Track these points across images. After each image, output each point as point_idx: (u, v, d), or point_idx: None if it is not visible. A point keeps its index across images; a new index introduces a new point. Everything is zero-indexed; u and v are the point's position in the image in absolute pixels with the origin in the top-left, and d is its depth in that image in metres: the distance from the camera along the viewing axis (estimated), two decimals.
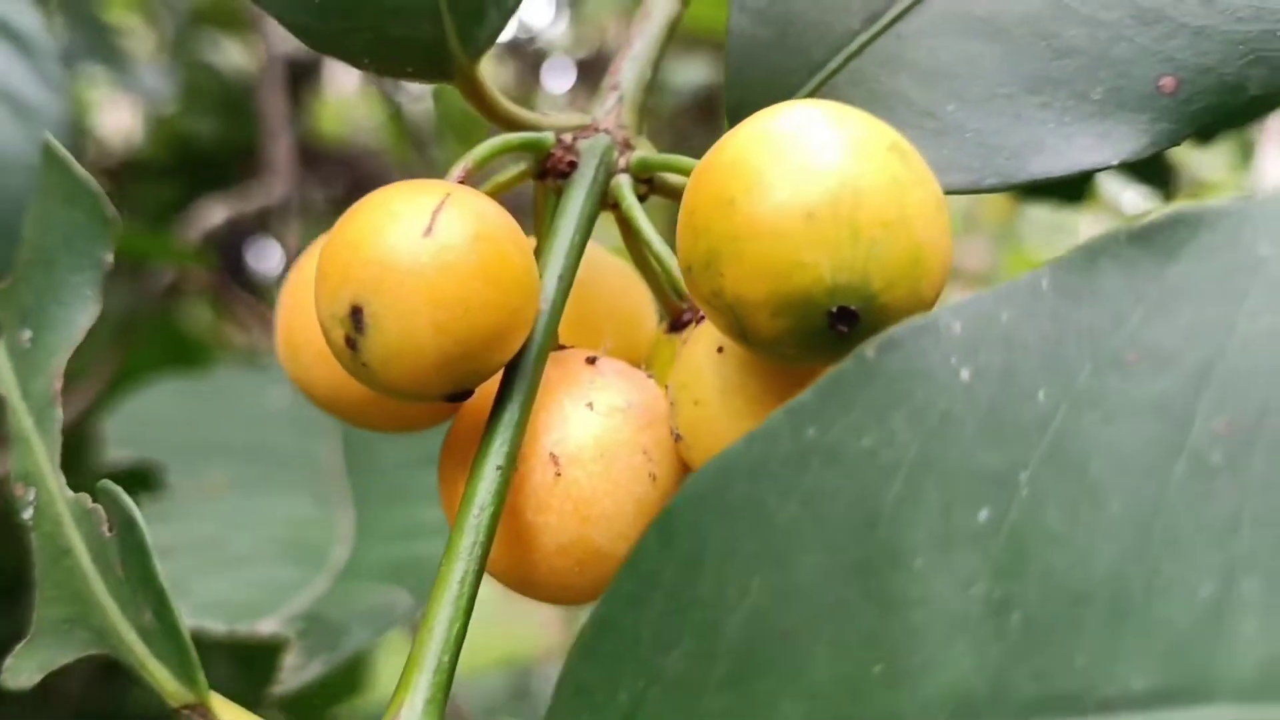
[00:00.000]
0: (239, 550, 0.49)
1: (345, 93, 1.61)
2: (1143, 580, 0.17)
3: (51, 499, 0.29)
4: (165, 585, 0.27)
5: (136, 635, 0.27)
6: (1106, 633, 0.18)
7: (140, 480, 0.56)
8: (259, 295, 0.99)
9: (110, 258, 0.31)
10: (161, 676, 0.27)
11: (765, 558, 0.21)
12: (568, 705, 0.23)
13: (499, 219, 0.28)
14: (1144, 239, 0.19)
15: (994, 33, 0.29)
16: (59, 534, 0.29)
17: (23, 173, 0.51)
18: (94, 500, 0.28)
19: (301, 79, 1.26)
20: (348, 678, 0.87)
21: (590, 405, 0.30)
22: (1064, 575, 0.18)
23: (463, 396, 0.29)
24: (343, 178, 1.26)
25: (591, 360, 0.31)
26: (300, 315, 0.31)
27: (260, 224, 1.01)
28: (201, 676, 0.27)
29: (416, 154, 1.32)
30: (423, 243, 0.27)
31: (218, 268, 0.97)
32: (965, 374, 0.20)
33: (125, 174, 1.12)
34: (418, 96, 1.34)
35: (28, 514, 0.30)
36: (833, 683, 0.20)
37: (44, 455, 0.30)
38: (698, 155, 0.27)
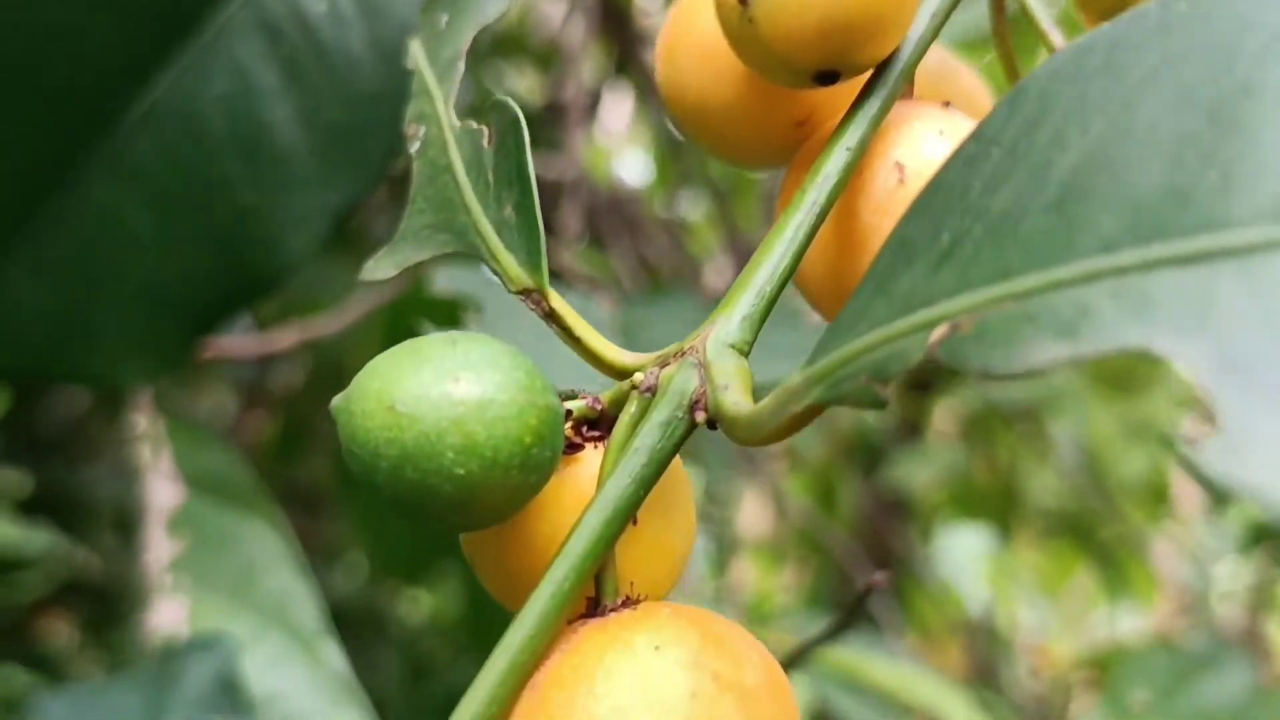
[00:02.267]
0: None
1: (613, 139, 1.72)
2: None
3: (440, 129, 0.32)
4: (532, 176, 0.29)
5: (493, 230, 0.30)
6: None
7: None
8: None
9: None
10: (508, 263, 0.29)
11: (1112, 101, 0.22)
12: (889, 259, 0.24)
13: None
14: None
15: None
16: (441, 155, 0.32)
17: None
18: (481, 120, 0.31)
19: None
20: None
21: (940, 132, 0.31)
22: None
23: (830, 80, 0.30)
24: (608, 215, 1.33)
25: (946, 104, 0.32)
26: (682, 28, 0.34)
27: (555, 193, 1.09)
28: (545, 266, 0.29)
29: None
30: None
31: None
32: None
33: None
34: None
35: (414, 148, 0.33)
36: (1160, 195, 0.20)
37: (440, 98, 0.33)
38: None
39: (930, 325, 0.22)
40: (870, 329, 0.23)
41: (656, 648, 0.24)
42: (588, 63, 1.43)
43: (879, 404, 0.22)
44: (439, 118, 0.33)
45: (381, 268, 0.32)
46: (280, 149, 0.54)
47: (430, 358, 0.25)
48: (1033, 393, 1.95)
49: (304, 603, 0.65)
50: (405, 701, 1.26)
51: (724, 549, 1.94)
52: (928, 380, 2.39)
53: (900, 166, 0.30)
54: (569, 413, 0.28)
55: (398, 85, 0.37)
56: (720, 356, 0.27)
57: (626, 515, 0.26)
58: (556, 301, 0.29)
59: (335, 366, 1.17)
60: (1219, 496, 1.85)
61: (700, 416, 0.27)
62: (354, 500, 1.10)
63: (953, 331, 0.21)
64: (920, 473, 2.12)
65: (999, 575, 2.47)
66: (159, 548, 0.67)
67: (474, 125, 0.31)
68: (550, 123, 1.28)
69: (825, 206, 0.29)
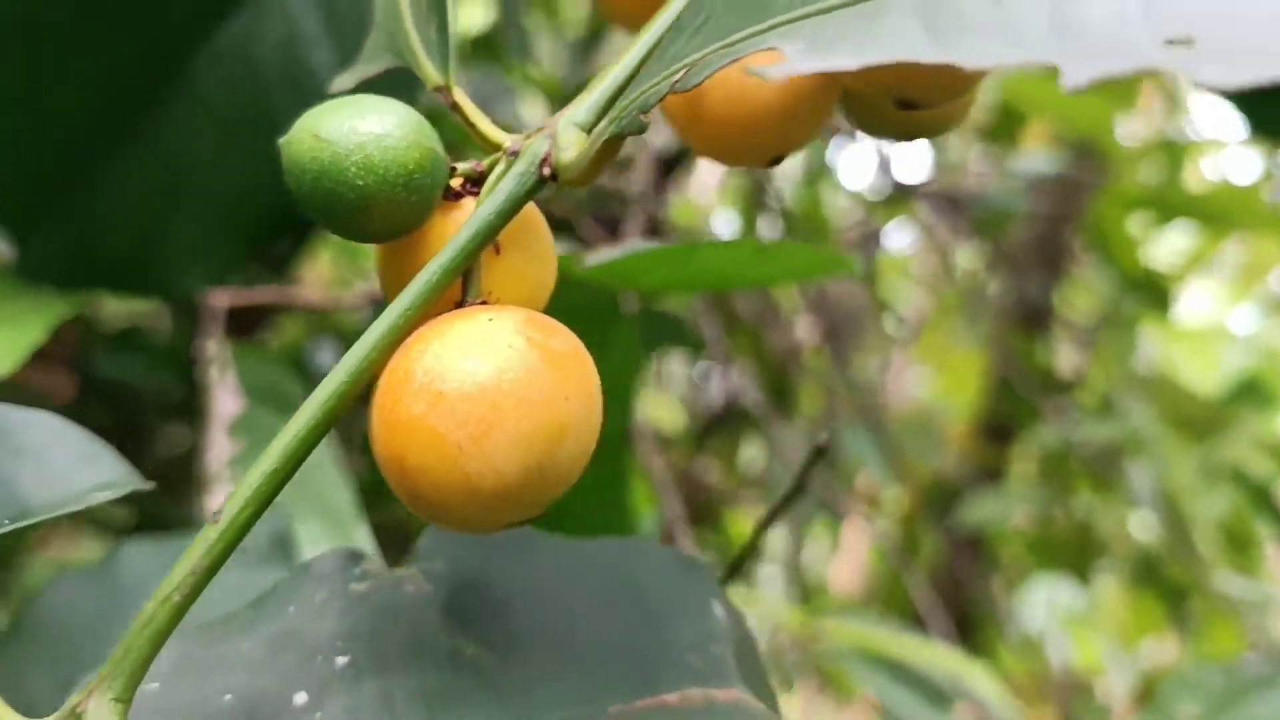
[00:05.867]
0: None
1: (706, 194, 1.79)
2: None
3: None
4: (449, 5, 0.38)
5: (420, 45, 0.39)
6: None
7: None
8: None
9: None
10: (427, 68, 0.38)
11: None
12: (667, 36, 0.33)
13: None
14: None
15: None
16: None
17: None
18: None
19: (671, 170, 1.43)
20: None
21: None
22: None
23: None
24: None
25: None
26: None
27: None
28: (454, 70, 0.38)
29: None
30: None
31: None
32: None
33: None
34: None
35: None
36: None
37: None
38: None
39: (677, 72, 0.31)
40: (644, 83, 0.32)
41: (490, 319, 0.33)
42: None
43: (641, 128, 0.31)
44: None
45: (344, 80, 0.42)
46: (321, 86, 0.65)
47: (348, 104, 0.35)
48: (1112, 436, 1.96)
49: (340, 492, 0.74)
50: None
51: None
52: (1008, 428, 2.42)
53: None
54: (454, 169, 0.37)
55: None
56: (566, 130, 0.36)
57: (487, 236, 0.35)
58: (459, 96, 0.38)
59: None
60: None
61: (546, 170, 0.35)
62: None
63: (685, 71, 0.30)
64: (997, 517, 2.13)
65: (1081, 630, 2.45)
66: (221, 447, 0.77)
67: None
68: None
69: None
